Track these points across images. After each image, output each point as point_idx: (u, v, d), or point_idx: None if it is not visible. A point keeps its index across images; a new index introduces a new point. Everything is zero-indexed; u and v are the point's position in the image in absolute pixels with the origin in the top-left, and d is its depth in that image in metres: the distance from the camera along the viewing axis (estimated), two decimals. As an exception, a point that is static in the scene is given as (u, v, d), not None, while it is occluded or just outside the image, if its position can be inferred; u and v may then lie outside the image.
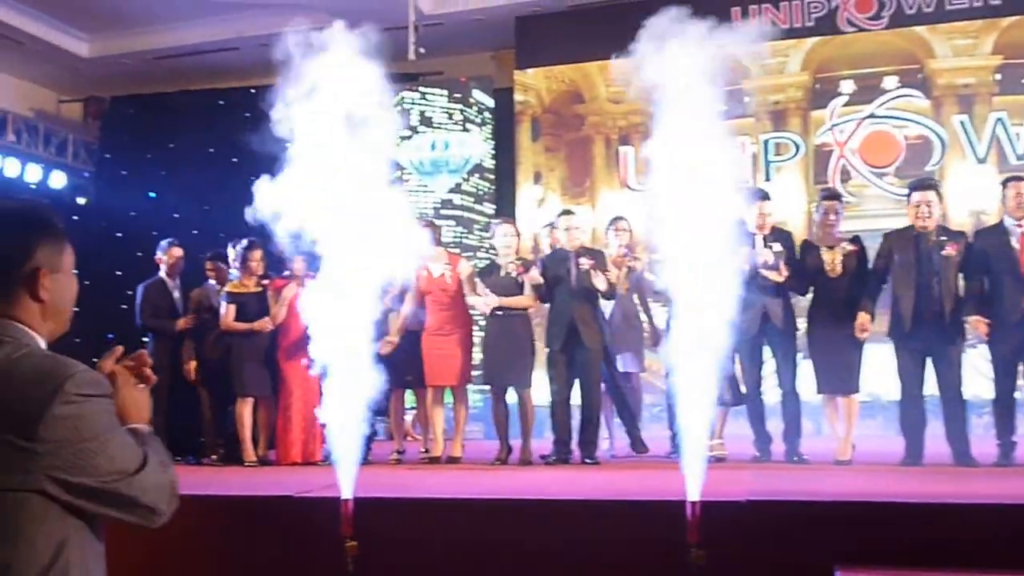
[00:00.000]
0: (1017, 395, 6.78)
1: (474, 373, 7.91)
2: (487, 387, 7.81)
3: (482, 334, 7.75)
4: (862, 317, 6.74)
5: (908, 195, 6.97)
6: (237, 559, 4.83)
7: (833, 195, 7.49)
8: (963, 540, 4.04)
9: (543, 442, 7.64)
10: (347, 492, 4.47)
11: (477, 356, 7.90)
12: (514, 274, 7.40)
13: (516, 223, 8.16)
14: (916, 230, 6.72)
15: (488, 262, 7.87)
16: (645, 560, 4.29)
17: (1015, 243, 6.61)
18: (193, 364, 8.02)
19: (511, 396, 7.56)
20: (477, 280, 7.49)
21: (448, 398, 7.82)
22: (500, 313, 7.42)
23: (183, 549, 4.87)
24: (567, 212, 7.76)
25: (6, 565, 1.82)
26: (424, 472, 6.93)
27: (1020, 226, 6.62)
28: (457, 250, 10.78)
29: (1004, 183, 6.90)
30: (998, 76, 10.29)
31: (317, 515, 4.70)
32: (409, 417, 9.13)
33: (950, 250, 6.61)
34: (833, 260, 6.95)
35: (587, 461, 7.17)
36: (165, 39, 11.95)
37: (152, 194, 12.51)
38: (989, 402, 6.97)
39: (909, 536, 4.12)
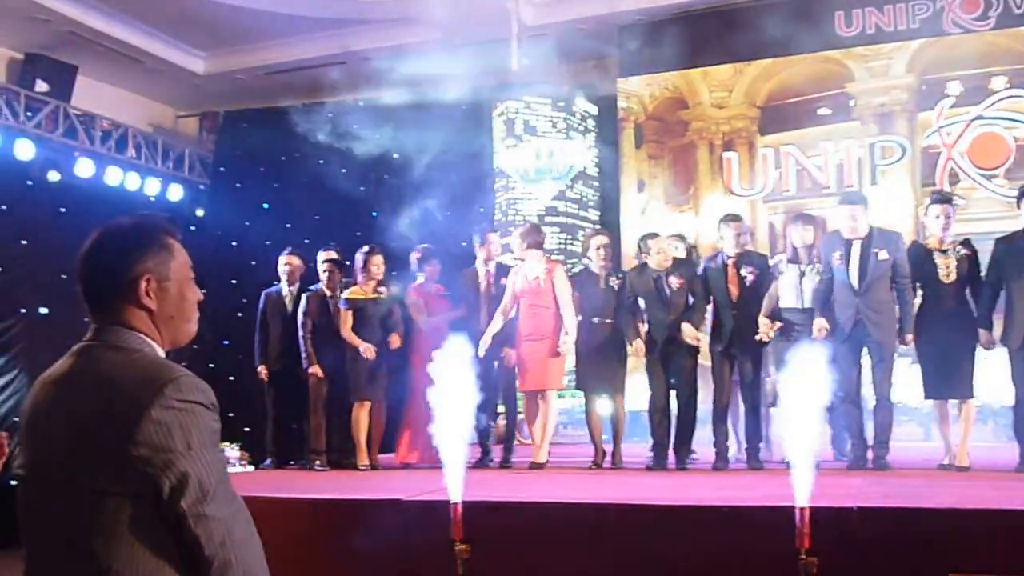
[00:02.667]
0: None
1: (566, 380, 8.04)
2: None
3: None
4: (984, 335, 6.69)
5: (1017, 201, 6.87)
6: (349, 561, 4.95)
7: (945, 198, 7.33)
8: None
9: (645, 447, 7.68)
10: (456, 495, 4.60)
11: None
12: (614, 286, 7.52)
13: (610, 234, 8.20)
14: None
15: (583, 269, 7.96)
16: (754, 567, 4.33)
17: None
18: (316, 368, 8.05)
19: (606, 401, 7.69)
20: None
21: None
22: (594, 321, 7.54)
23: (295, 550, 5.04)
24: (652, 235, 7.71)
25: (107, 567, 1.85)
26: (532, 476, 7.04)
27: None
28: (561, 256, 10.91)
29: None
30: (1112, 74, 10.02)
31: (427, 518, 4.82)
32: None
33: None
34: (948, 265, 6.85)
35: (680, 467, 7.25)
36: (276, 55, 12.32)
37: (265, 205, 12.91)
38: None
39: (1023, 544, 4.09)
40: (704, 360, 7.54)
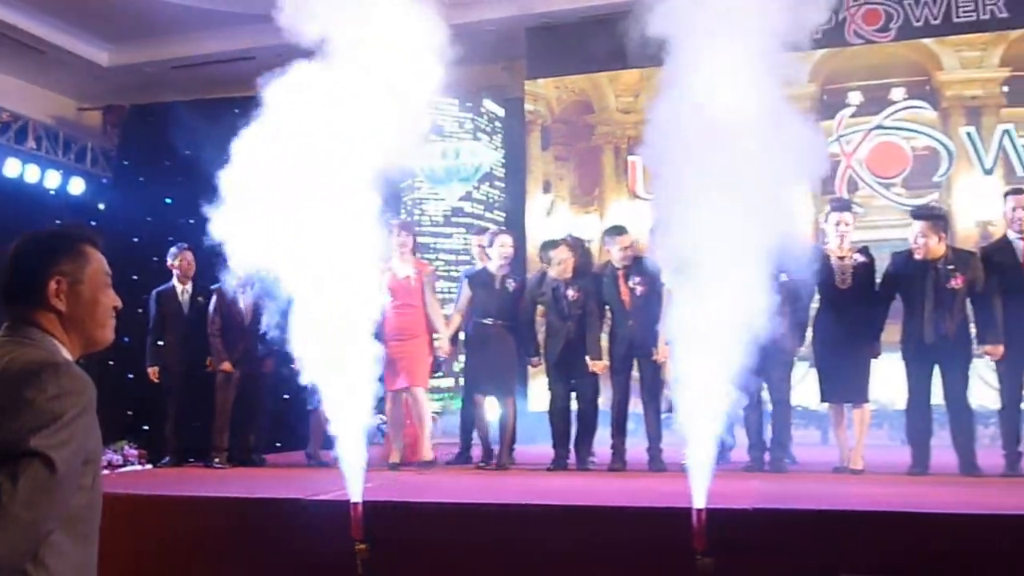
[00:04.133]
0: (1023, 405, 6.83)
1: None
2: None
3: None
4: (875, 347, 6.90)
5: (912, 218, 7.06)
6: (248, 560, 4.90)
7: (844, 206, 7.54)
8: (967, 549, 4.11)
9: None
10: (356, 495, 4.56)
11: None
12: (510, 288, 7.55)
13: (513, 235, 8.17)
14: (920, 257, 6.79)
15: (481, 269, 7.96)
16: (651, 567, 4.37)
17: (1020, 256, 6.71)
18: (228, 365, 8.02)
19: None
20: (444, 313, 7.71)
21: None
22: (485, 322, 7.54)
23: (193, 549, 4.97)
24: (553, 244, 7.77)
25: None
26: (434, 476, 7.01)
27: (1023, 238, 6.74)
28: (467, 257, 10.88)
29: (1005, 195, 7.02)
30: (1005, 88, 10.33)
31: (327, 518, 4.78)
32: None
33: (955, 284, 6.68)
34: (844, 272, 7.02)
35: (581, 468, 7.31)
36: (183, 49, 12.07)
37: (168, 200, 12.64)
38: (995, 412, 7.06)
39: (914, 545, 4.19)
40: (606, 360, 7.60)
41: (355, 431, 4.47)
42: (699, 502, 4.12)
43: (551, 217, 11.32)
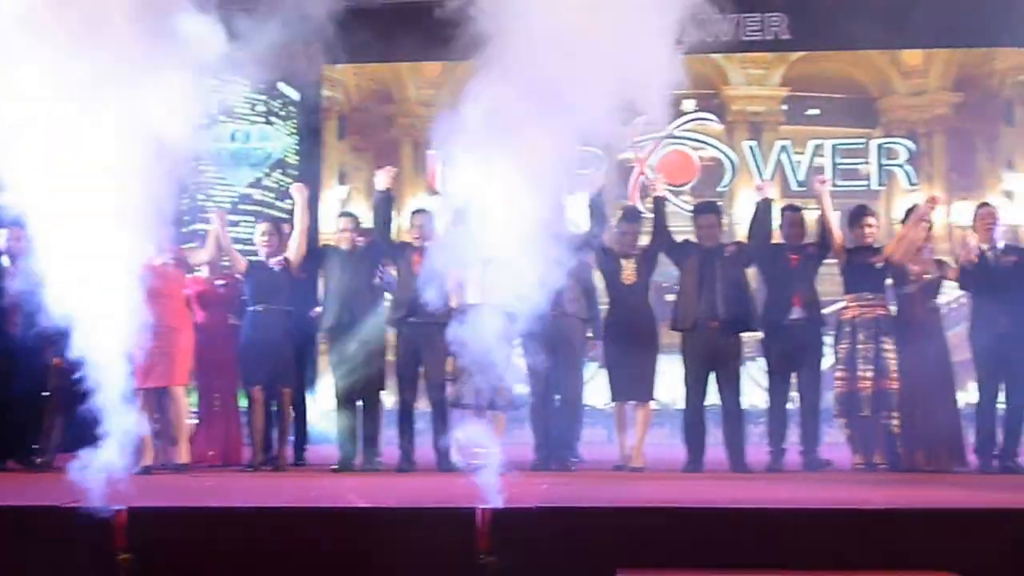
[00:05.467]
0: (788, 406, 7.24)
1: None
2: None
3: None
4: None
5: (693, 216, 7.37)
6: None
7: (634, 214, 7.79)
8: (736, 540, 4.25)
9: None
10: (120, 501, 4.29)
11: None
12: (277, 269, 7.35)
13: (276, 223, 8.01)
14: (702, 247, 7.13)
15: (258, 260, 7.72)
16: (435, 568, 4.31)
17: (791, 263, 7.10)
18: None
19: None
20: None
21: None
22: (260, 309, 7.31)
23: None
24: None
25: None
26: (208, 479, 6.71)
27: (793, 248, 7.15)
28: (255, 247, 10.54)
29: (782, 211, 7.40)
30: (784, 106, 10.90)
31: (87, 526, 4.46)
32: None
33: (732, 249, 7.15)
34: (629, 267, 7.19)
35: (368, 468, 7.18)
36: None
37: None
38: (764, 412, 7.43)
39: (686, 538, 4.30)
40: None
41: (116, 432, 4.18)
42: (484, 502, 4.11)
43: (346, 209, 11.08)
